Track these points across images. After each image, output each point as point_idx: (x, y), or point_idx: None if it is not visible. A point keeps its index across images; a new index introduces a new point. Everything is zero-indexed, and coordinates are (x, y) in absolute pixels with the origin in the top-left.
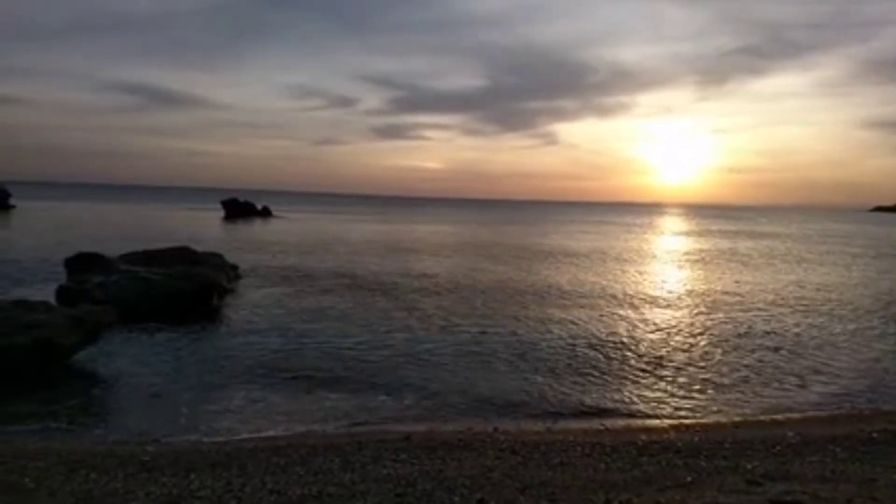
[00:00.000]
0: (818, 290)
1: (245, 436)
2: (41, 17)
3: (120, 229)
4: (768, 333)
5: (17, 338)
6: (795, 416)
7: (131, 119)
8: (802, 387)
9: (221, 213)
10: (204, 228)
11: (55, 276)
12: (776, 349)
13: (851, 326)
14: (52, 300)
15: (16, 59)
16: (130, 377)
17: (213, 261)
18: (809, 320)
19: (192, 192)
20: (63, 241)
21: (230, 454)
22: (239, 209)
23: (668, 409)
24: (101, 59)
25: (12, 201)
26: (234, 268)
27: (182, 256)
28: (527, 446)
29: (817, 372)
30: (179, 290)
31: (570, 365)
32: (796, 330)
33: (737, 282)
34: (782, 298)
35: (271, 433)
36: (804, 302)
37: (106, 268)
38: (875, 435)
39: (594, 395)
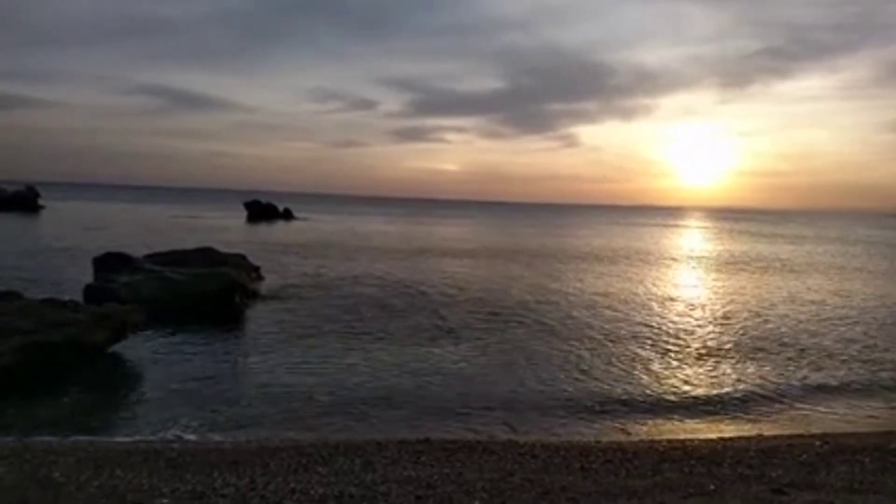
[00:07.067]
0: None
1: (268, 435)
2: (68, 21)
3: (145, 229)
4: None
5: (46, 336)
6: (824, 420)
7: (155, 121)
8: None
9: (244, 215)
10: (227, 230)
11: (83, 275)
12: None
13: None
14: (80, 299)
15: (42, 63)
16: (155, 376)
17: (237, 261)
18: None
19: (215, 194)
20: (90, 240)
21: (254, 453)
22: (261, 211)
23: (694, 416)
24: (126, 62)
25: (41, 202)
26: (257, 269)
27: (206, 257)
28: (547, 451)
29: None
30: (203, 291)
31: (593, 371)
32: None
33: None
34: None
35: (294, 433)
36: None
37: (132, 267)
38: None
39: (616, 402)
